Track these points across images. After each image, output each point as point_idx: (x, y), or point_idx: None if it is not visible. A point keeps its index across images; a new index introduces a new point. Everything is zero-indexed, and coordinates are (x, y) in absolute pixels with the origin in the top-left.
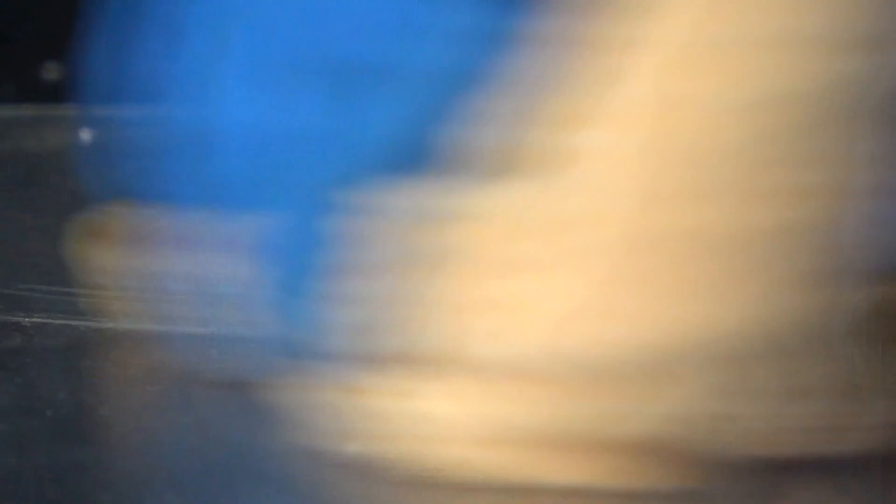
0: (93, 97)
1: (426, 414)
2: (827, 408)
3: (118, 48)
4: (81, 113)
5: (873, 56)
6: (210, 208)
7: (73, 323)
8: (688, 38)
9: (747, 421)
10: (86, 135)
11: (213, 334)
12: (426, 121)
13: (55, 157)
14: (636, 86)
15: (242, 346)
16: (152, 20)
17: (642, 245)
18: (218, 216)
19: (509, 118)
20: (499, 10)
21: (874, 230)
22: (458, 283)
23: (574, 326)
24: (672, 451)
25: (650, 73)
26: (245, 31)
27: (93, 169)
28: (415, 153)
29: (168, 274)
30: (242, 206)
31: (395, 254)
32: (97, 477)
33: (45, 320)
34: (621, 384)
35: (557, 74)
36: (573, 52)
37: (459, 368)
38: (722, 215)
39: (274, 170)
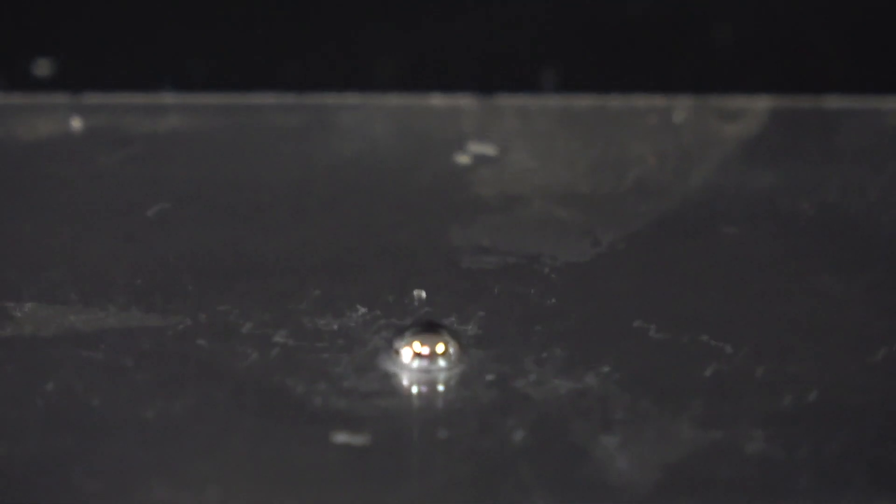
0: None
1: None
2: None
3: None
4: (73, 102)
5: None
6: None
7: (65, 312)
8: None
9: None
10: (76, 123)
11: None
12: None
13: (46, 145)
14: None
15: None
16: None
17: None
18: None
19: None
20: None
21: None
22: None
23: None
24: None
25: None
26: None
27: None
28: None
29: None
30: None
31: None
32: (87, 465)
33: (36, 309)
34: None
35: None
36: None
37: None
38: None
39: None
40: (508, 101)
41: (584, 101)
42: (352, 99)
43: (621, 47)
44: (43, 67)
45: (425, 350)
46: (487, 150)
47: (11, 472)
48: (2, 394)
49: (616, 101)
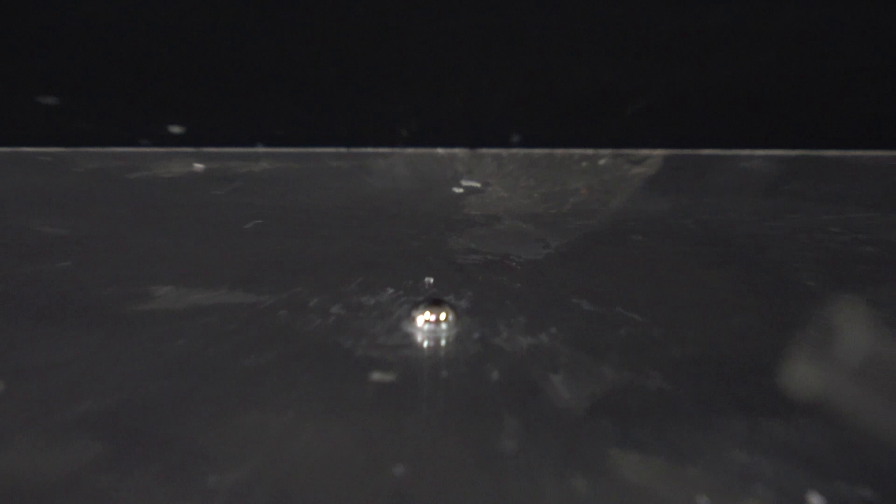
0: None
1: None
2: None
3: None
4: (195, 152)
5: None
6: None
7: (189, 292)
8: None
9: None
10: (198, 166)
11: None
12: None
13: (177, 181)
14: None
15: None
16: None
17: None
18: None
19: None
20: None
21: None
22: None
23: None
24: None
25: None
26: None
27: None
28: None
29: None
30: None
31: None
32: (204, 398)
33: (170, 291)
34: None
35: None
36: None
37: None
38: None
39: None
40: (488, 152)
41: (538, 153)
42: (382, 151)
43: (563, 117)
44: (176, 129)
45: (432, 318)
46: (474, 184)
47: (151, 404)
48: (147, 348)
49: (560, 152)
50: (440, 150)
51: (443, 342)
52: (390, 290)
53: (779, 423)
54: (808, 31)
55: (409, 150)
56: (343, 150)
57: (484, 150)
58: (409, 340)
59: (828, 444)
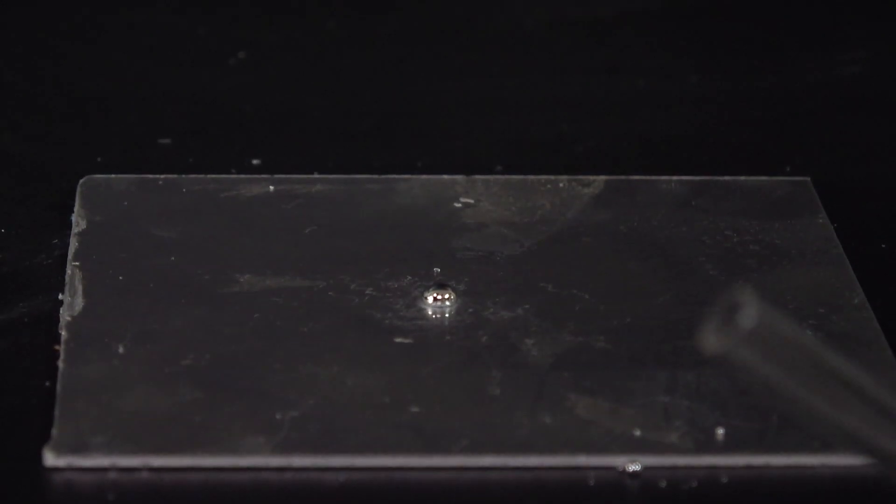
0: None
1: None
2: None
3: None
4: (269, 179)
5: None
6: None
7: (263, 278)
8: None
9: None
10: (271, 188)
11: None
12: None
13: (255, 199)
14: None
15: None
16: None
17: None
18: None
19: None
20: None
21: None
22: None
23: None
24: None
25: None
26: None
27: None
28: None
29: None
30: None
31: None
32: (273, 357)
33: (249, 277)
34: None
35: None
36: None
37: None
38: None
39: None
40: (479, 178)
41: (515, 178)
42: (404, 177)
43: (533, 153)
44: (255, 162)
45: (439, 296)
46: (469, 201)
47: (235, 360)
48: (232, 319)
49: (531, 178)
50: (445, 177)
51: (446, 315)
52: (409, 277)
53: (692, 375)
54: (706, 94)
55: (423, 177)
56: (376, 176)
57: (476, 177)
58: (422, 314)
59: (728, 391)
